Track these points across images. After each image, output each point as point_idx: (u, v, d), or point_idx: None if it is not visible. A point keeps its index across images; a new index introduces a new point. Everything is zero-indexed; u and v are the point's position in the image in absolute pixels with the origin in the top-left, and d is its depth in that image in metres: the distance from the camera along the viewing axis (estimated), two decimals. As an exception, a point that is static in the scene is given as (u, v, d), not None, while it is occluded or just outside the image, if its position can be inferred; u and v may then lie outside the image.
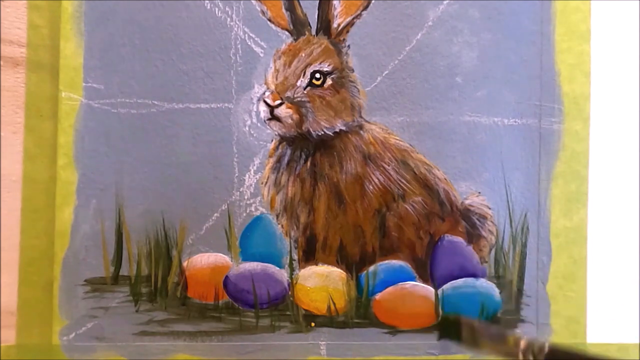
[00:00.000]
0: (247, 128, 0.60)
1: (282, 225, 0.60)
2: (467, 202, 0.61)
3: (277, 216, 0.60)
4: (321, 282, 0.60)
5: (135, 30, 0.60)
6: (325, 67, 0.59)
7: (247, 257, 0.60)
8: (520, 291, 0.60)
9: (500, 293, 0.60)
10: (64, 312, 0.59)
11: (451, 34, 0.60)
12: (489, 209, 0.61)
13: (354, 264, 0.60)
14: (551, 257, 0.61)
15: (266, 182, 0.60)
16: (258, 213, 0.60)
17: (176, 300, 0.60)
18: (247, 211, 0.60)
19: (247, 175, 0.60)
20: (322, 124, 0.59)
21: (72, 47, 0.59)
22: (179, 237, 0.60)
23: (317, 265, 0.60)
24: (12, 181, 0.59)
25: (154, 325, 0.60)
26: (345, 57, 0.60)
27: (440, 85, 0.60)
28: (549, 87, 0.61)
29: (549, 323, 0.60)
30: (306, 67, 0.59)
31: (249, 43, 0.60)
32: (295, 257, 0.60)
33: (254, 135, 0.60)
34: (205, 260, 0.60)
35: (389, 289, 0.60)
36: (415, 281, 0.60)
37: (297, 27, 0.60)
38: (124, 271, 0.60)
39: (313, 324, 0.60)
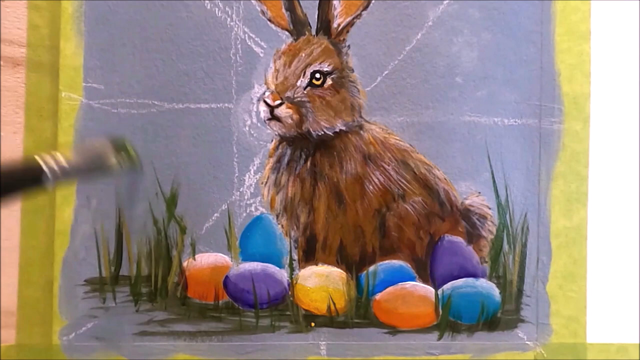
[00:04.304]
0: (247, 128, 0.60)
1: (282, 225, 0.60)
2: (467, 202, 0.61)
3: (277, 216, 0.60)
4: (321, 282, 0.60)
5: (135, 30, 0.60)
6: (325, 67, 0.59)
7: (247, 257, 0.60)
8: (520, 291, 0.60)
9: (500, 293, 0.60)
10: (64, 312, 0.59)
11: (451, 34, 0.60)
12: (489, 209, 0.61)
13: (354, 264, 0.60)
14: (551, 257, 0.61)
15: (266, 182, 0.60)
16: (258, 213, 0.60)
17: (176, 300, 0.60)
18: (247, 211, 0.60)
19: (247, 175, 0.60)
20: (322, 124, 0.59)
21: (72, 47, 0.59)
22: (179, 237, 0.60)
23: (317, 265, 0.60)
24: (12, 181, 0.59)
25: (154, 325, 0.59)
26: (345, 57, 0.60)
27: (440, 85, 0.60)
28: (549, 87, 0.61)
29: (549, 323, 0.60)
30: (306, 67, 0.59)
31: (249, 43, 0.60)
32: (295, 257, 0.60)
33: (254, 135, 0.60)
34: (205, 260, 0.60)
35: (389, 289, 0.60)
36: (415, 281, 0.60)
37: (297, 27, 0.60)
38: (124, 271, 0.60)
39: (313, 324, 0.60)
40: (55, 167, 0.43)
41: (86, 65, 0.59)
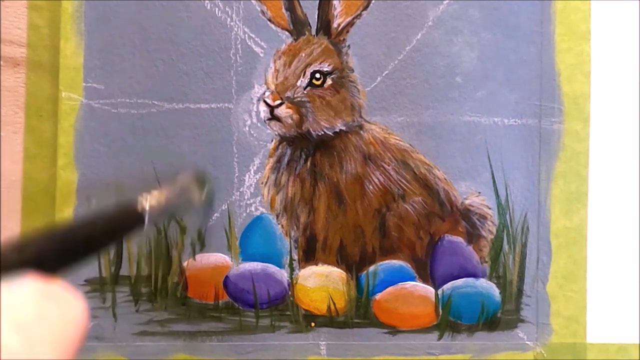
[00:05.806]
0: (247, 128, 0.60)
1: (282, 225, 0.60)
2: (467, 202, 0.61)
3: (277, 216, 0.60)
4: (321, 282, 0.60)
5: (135, 30, 0.60)
6: (325, 67, 0.59)
7: (247, 257, 0.60)
8: (520, 291, 0.60)
9: (500, 293, 0.60)
10: (64, 312, 0.59)
11: (451, 34, 0.60)
12: (489, 209, 0.61)
13: (354, 264, 0.60)
14: (551, 257, 0.61)
15: (266, 182, 0.60)
16: (258, 213, 0.60)
17: (176, 300, 0.60)
18: (247, 211, 0.60)
19: (247, 175, 0.60)
20: (322, 124, 0.59)
21: (72, 47, 0.59)
22: (179, 237, 0.60)
23: (317, 265, 0.60)
24: (12, 181, 0.59)
25: (154, 325, 0.59)
26: (345, 57, 0.60)
27: (440, 85, 0.60)
28: (549, 87, 0.61)
29: (549, 323, 0.60)
30: (306, 67, 0.59)
31: (249, 43, 0.60)
32: (295, 257, 0.60)
33: (254, 135, 0.60)
34: (205, 260, 0.60)
35: (389, 289, 0.60)
36: (415, 281, 0.60)
37: (297, 27, 0.60)
38: (124, 271, 0.60)
39: (313, 324, 0.60)
40: (152, 207, 0.40)
41: (86, 65, 0.59)
